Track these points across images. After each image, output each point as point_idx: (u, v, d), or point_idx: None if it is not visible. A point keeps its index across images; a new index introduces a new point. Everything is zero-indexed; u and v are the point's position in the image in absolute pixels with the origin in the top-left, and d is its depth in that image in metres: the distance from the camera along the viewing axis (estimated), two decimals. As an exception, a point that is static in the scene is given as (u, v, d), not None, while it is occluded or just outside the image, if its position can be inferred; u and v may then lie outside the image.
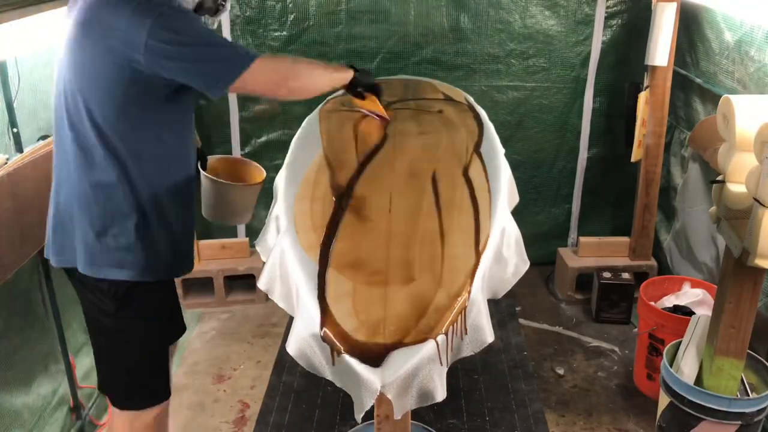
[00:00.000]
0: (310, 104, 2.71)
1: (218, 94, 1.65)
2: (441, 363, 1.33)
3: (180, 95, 1.70)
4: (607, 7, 3.34)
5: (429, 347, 1.29)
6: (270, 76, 1.69)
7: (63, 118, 1.67)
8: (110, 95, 1.60)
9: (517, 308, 3.40)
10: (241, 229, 3.71)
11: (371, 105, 2.20)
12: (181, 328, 2.00)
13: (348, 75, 2.00)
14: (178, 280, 3.25)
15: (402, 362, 1.27)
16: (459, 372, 2.86)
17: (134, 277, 1.72)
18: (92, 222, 1.69)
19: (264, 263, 1.64)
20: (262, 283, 1.63)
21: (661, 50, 2.98)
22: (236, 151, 3.55)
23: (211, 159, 2.23)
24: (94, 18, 1.59)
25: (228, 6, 1.88)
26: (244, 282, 3.49)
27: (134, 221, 1.70)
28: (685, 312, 2.64)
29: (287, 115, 3.46)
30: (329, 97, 2.71)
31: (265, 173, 2.25)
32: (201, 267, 3.42)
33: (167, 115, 1.71)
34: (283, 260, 1.53)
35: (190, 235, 1.88)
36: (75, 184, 1.69)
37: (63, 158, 1.71)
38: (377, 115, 2.21)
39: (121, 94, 1.60)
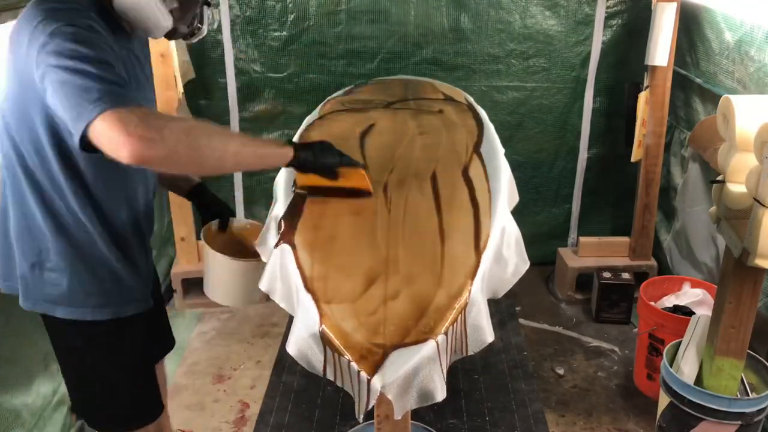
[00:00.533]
0: (310, 104, 2.71)
1: (77, 140, 1.27)
2: (441, 363, 1.33)
3: None
4: (607, 7, 3.34)
5: (429, 347, 1.29)
6: (121, 145, 1.23)
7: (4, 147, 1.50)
8: (25, 123, 1.44)
9: (517, 308, 3.40)
10: (241, 229, 3.71)
11: (352, 181, 1.65)
12: (168, 344, 1.94)
13: (287, 152, 1.52)
14: (177, 281, 3.25)
15: (402, 362, 1.27)
16: (459, 372, 2.86)
17: (71, 315, 1.57)
18: (25, 254, 1.54)
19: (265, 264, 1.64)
20: (263, 285, 1.63)
21: (661, 50, 2.98)
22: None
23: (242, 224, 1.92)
24: (13, 39, 1.40)
25: (204, 30, 1.67)
26: (244, 282, 3.49)
27: (66, 256, 1.53)
28: (685, 312, 2.64)
29: (287, 115, 3.46)
30: (329, 97, 2.72)
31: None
32: (201, 267, 3.40)
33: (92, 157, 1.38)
34: (284, 261, 1.53)
35: (138, 274, 1.66)
36: (10, 211, 1.54)
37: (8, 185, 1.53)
38: (358, 191, 1.67)
39: (33, 120, 1.42)
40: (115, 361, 1.65)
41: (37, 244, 1.53)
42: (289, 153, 1.53)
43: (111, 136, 1.22)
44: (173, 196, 3.27)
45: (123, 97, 1.27)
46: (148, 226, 1.71)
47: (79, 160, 1.47)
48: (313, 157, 1.57)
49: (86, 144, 1.26)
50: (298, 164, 1.57)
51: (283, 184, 1.85)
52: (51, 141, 1.43)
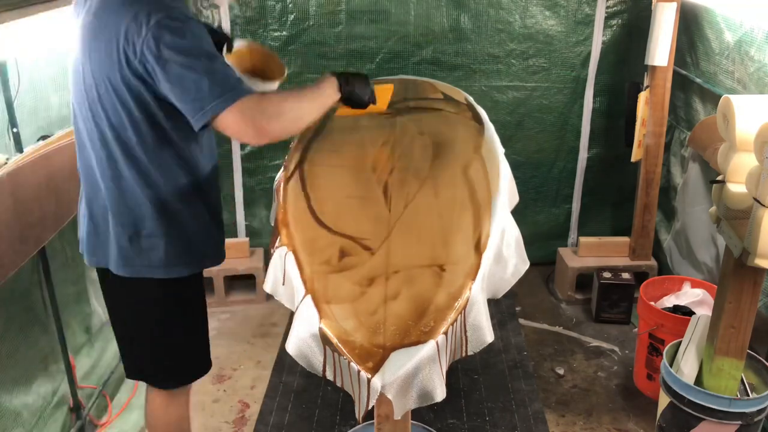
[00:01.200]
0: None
1: (198, 126, 1.54)
2: (441, 363, 1.33)
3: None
4: (607, 7, 3.34)
5: (429, 347, 1.29)
6: (251, 127, 1.55)
7: (88, 124, 1.68)
8: (121, 101, 1.59)
9: (517, 308, 3.40)
10: (241, 229, 3.71)
11: (379, 101, 2.05)
12: None
13: (333, 91, 1.82)
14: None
15: (402, 362, 1.27)
16: (459, 372, 2.86)
17: (170, 275, 1.77)
18: (124, 226, 1.72)
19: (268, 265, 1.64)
20: (267, 286, 1.63)
21: (661, 50, 2.98)
22: (236, 151, 3.56)
23: (240, 45, 2.08)
24: (100, 22, 1.55)
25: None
26: (244, 282, 3.49)
27: (163, 223, 1.72)
28: (685, 312, 2.64)
29: (287, 115, 3.46)
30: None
31: (285, 71, 2.06)
32: (201, 267, 3.42)
33: (184, 127, 1.62)
34: (286, 261, 1.53)
35: (219, 229, 1.89)
36: (106, 188, 1.71)
37: (88, 162, 1.73)
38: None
39: (129, 101, 1.59)
40: (188, 312, 1.88)
41: (134, 217, 1.71)
42: (336, 96, 1.82)
43: (239, 128, 1.54)
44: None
45: (239, 90, 1.53)
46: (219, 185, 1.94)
47: (173, 133, 1.65)
48: (352, 89, 1.85)
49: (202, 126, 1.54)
50: (344, 101, 1.87)
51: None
52: (147, 119, 1.61)
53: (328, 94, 1.80)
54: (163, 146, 1.66)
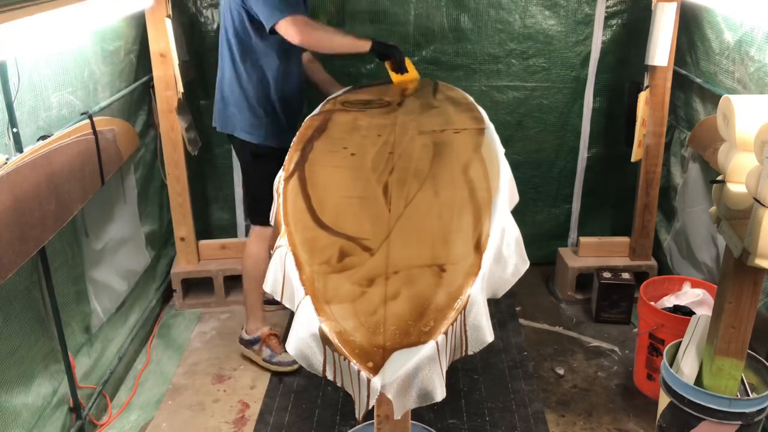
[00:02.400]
0: (310, 104, 2.72)
1: (268, 27, 2.46)
2: (441, 363, 1.32)
3: None
4: (607, 7, 3.34)
5: (429, 347, 1.29)
6: (297, 34, 2.44)
7: (226, 23, 2.61)
8: (231, 15, 2.57)
9: (517, 308, 3.40)
10: (241, 229, 3.71)
11: (408, 74, 2.86)
12: None
13: (367, 44, 2.66)
14: (177, 281, 3.29)
15: (402, 362, 1.27)
16: (459, 372, 2.86)
17: (263, 142, 2.70)
18: (236, 104, 2.68)
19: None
20: (267, 286, 1.63)
21: (661, 50, 2.98)
22: (236, 151, 3.56)
23: None
24: None
25: None
26: (244, 282, 3.49)
27: (264, 107, 2.67)
28: (685, 312, 2.64)
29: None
30: (329, 98, 2.73)
31: None
32: (201, 267, 3.42)
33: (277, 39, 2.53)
34: (286, 261, 1.53)
35: (288, 122, 2.73)
36: (227, 78, 2.69)
37: (223, 52, 2.67)
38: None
39: (236, 14, 2.56)
40: (266, 174, 2.27)
41: (236, 99, 2.68)
42: (367, 47, 2.68)
43: (289, 32, 2.45)
44: (173, 198, 3.28)
45: (295, 8, 2.47)
46: (300, 97, 2.82)
47: (268, 38, 2.55)
48: (381, 47, 2.73)
49: (272, 30, 2.46)
50: (376, 51, 2.72)
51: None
52: (251, 26, 2.55)
53: (360, 45, 2.67)
54: (248, 53, 2.60)
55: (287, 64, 2.67)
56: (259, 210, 2.77)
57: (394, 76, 2.85)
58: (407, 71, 2.85)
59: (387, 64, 2.84)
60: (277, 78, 2.65)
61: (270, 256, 1.79)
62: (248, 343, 2.96)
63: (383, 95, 2.68)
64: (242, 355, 3.00)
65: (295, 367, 2.85)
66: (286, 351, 1.59)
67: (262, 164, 2.68)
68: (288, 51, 2.62)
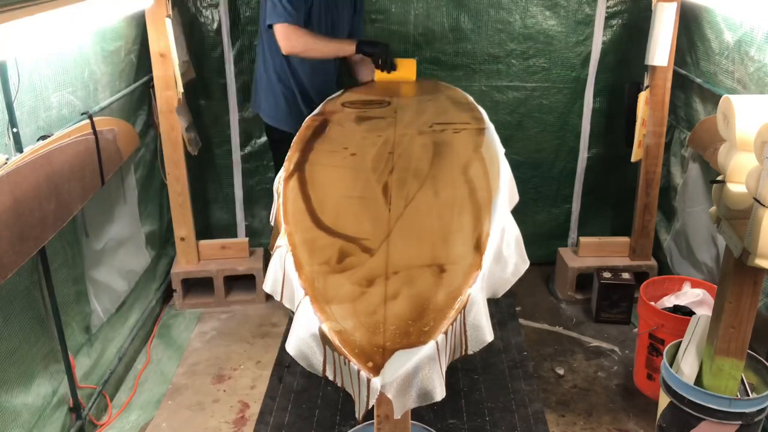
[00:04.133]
0: (310, 104, 2.72)
1: (266, 25, 2.76)
2: (440, 363, 1.33)
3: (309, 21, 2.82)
4: (607, 7, 3.34)
5: (429, 347, 1.29)
6: (283, 41, 2.69)
7: (262, 11, 2.86)
8: (262, 11, 2.86)
9: (517, 308, 3.40)
10: (241, 229, 3.71)
11: (407, 72, 3.01)
12: None
13: (352, 46, 2.83)
14: (177, 281, 3.30)
15: (402, 362, 1.27)
16: (459, 372, 2.86)
17: (279, 126, 3.01)
18: (265, 87, 2.99)
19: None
20: (267, 286, 1.63)
21: (661, 50, 2.98)
22: (236, 151, 3.56)
23: None
24: None
25: None
26: (244, 282, 3.49)
27: (285, 95, 2.96)
28: (685, 312, 2.64)
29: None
30: (329, 97, 2.73)
31: None
32: (201, 267, 3.42)
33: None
34: (286, 261, 1.53)
35: (308, 111, 2.80)
36: (259, 64, 3.02)
37: (261, 38, 2.95)
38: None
39: (263, 11, 2.83)
40: (284, 158, 2.29)
41: (264, 84, 2.99)
42: (351, 49, 2.86)
43: (278, 39, 2.71)
44: (173, 198, 3.28)
45: (290, 17, 2.65)
46: (325, 88, 3.00)
47: (273, 40, 2.77)
48: (364, 45, 2.88)
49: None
50: (361, 51, 2.88)
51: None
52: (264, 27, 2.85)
53: (345, 47, 2.86)
54: (274, 43, 2.77)
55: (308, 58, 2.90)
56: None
57: (377, 74, 2.99)
58: (395, 69, 2.98)
59: (372, 62, 2.97)
60: (296, 69, 2.90)
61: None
62: None
63: (383, 95, 2.68)
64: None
65: None
66: None
67: (281, 148, 2.72)
68: None
